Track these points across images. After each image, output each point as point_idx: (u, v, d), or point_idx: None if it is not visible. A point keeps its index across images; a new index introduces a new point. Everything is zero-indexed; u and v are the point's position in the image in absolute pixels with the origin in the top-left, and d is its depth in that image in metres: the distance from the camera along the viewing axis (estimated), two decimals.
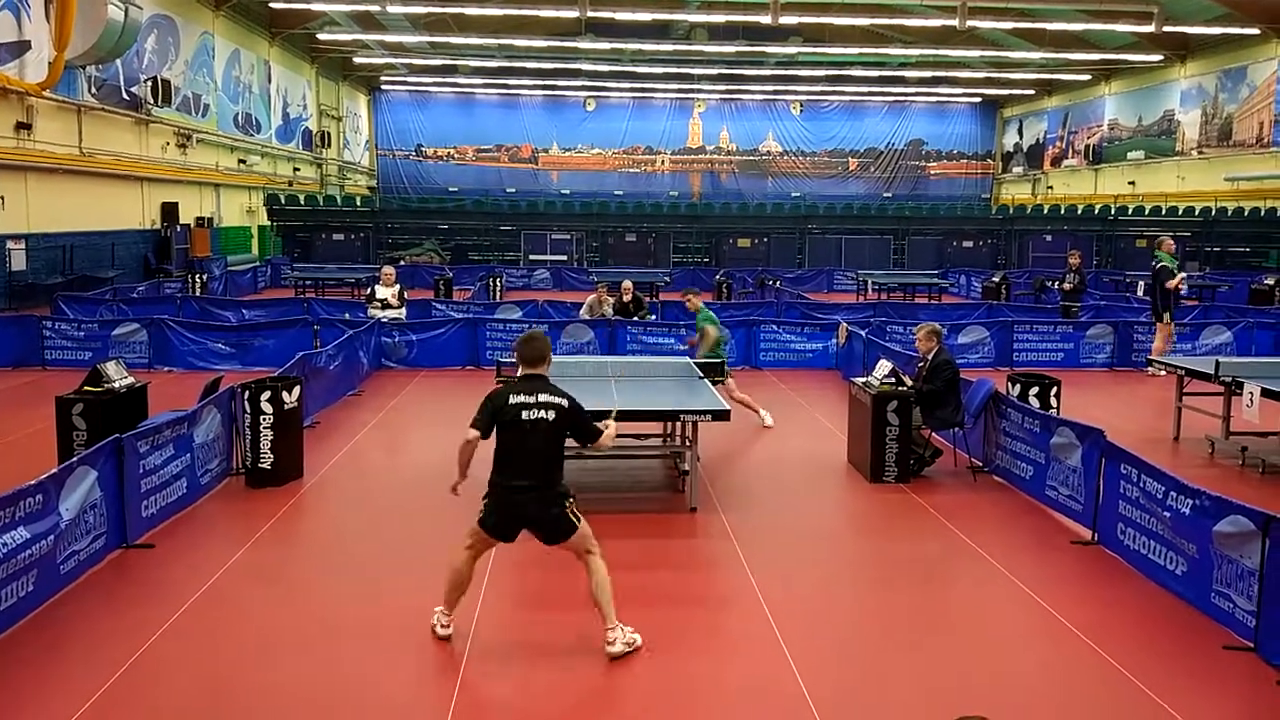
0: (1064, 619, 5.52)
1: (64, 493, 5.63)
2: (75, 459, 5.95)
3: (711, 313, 10.63)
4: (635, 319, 14.42)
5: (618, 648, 4.90)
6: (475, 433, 4.93)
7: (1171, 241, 14.02)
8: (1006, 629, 5.53)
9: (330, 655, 5.01)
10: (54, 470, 5.66)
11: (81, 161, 20.81)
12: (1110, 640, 5.24)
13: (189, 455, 7.27)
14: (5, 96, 18.04)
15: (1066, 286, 17.08)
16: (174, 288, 20.43)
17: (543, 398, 4.95)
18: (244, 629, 5.31)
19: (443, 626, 5.12)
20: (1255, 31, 26.91)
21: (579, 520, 4.97)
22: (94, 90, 21.44)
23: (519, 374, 5.17)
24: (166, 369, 13.21)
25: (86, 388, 7.59)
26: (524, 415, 4.89)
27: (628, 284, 14.92)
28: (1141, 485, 6.18)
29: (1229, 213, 29.76)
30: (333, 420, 10.35)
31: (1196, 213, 30.12)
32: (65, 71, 18.89)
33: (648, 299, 16.63)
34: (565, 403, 5.00)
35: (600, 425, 5.19)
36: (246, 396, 7.87)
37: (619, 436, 8.67)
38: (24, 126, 18.69)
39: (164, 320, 13.77)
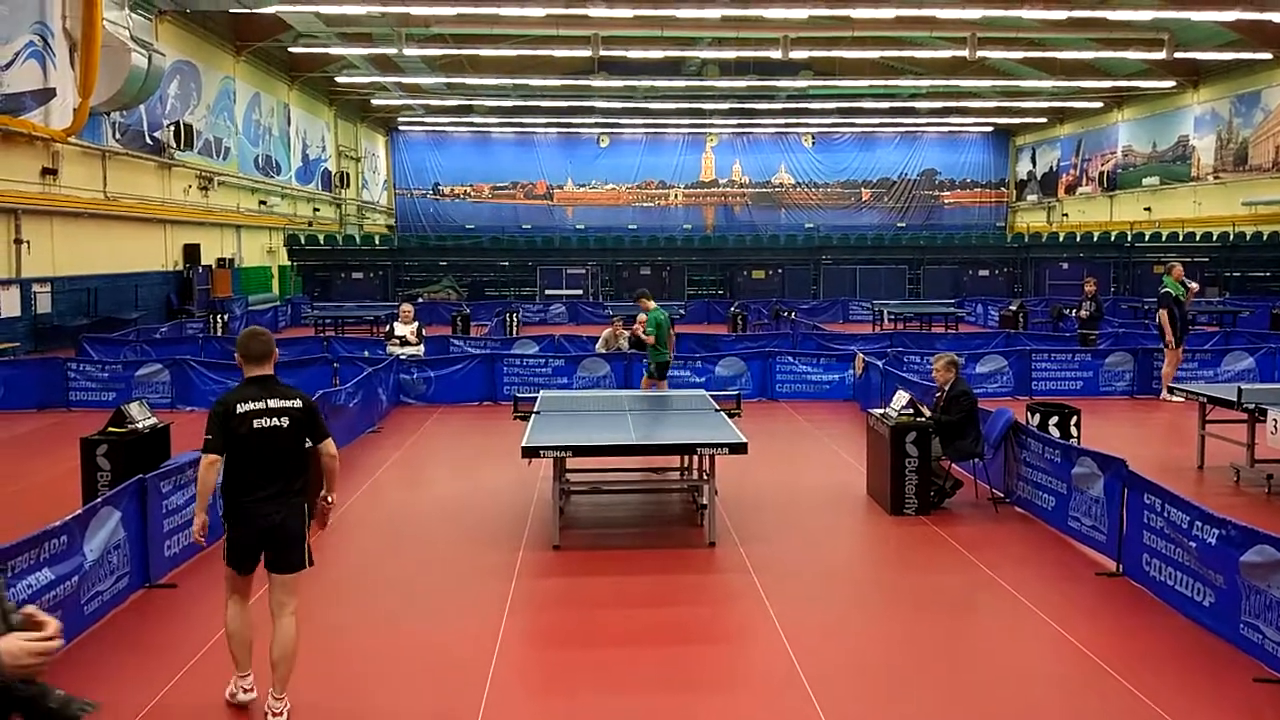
0: (1090, 652, 5.45)
1: (89, 533, 5.69)
2: (100, 500, 6.02)
3: (662, 313, 11.77)
4: None
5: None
6: (213, 456, 4.49)
7: (1180, 268, 13.96)
8: (1031, 663, 5.46)
9: (351, 691, 5.01)
10: (79, 511, 5.73)
11: (106, 205, 21.21)
12: (1138, 673, 5.16)
13: (211, 494, 7.31)
14: (31, 143, 18.44)
15: (1083, 314, 17.02)
16: (196, 328, 20.67)
17: (273, 403, 4.53)
18: (266, 669, 5.31)
19: (244, 691, 4.73)
20: (1267, 56, 26.91)
21: (312, 561, 4.66)
22: (118, 136, 21.88)
23: (246, 375, 4.66)
24: (189, 409, 13.33)
25: (110, 428, 7.67)
26: (255, 424, 4.47)
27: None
28: (1166, 515, 6.11)
29: (1247, 237, 29.61)
30: (352, 457, 10.39)
31: (1215, 238, 29.99)
32: (90, 118, 19.27)
33: None
34: (299, 403, 4.60)
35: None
36: None
37: (633, 470, 8.80)
38: (50, 172, 19.08)
39: (186, 360, 13.94)
